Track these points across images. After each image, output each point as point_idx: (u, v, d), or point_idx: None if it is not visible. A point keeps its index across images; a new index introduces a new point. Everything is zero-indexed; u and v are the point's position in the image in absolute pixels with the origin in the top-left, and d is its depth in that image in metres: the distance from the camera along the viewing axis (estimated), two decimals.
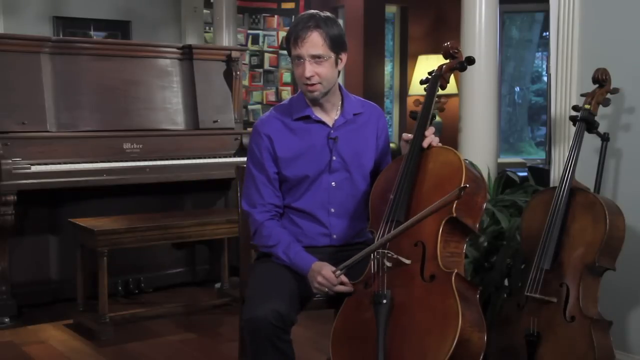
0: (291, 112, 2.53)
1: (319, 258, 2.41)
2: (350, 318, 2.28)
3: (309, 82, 2.40)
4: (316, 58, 2.38)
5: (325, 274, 2.31)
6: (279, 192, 2.53)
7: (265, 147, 2.50)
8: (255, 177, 2.52)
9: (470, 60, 2.59)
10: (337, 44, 2.42)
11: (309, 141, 2.50)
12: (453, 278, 2.14)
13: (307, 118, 2.51)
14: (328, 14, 2.46)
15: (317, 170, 2.49)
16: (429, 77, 2.60)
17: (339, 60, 2.46)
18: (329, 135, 2.50)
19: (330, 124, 2.51)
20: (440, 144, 2.40)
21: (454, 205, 2.21)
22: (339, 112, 2.53)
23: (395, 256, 2.21)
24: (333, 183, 2.51)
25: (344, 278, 2.31)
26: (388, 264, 2.23)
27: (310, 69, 2.38)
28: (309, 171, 2.48)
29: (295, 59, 2.41)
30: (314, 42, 2.37)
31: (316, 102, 2.49)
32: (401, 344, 2.13)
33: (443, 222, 2.23)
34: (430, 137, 2.39)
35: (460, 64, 2.59)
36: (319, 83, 2.41)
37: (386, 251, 2.24)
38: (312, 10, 2.46)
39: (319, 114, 2.51)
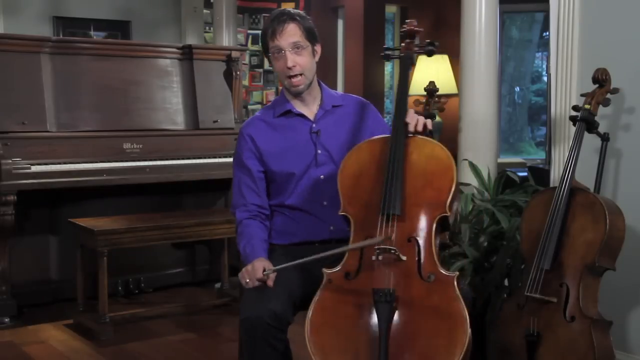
0: (274, 111, 2.58)
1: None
2: (332, 310, 2.19)
3: (291, 73, 2.44)
4: (296, 47, 2.43)
5: (256, 265, 2.28)
6: (263, 193, 2.55)
7: (247, 148, 2.54)
8: (238, 179, 2.56)
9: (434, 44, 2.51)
10: (311, 35, 2.49)
11: (292, 138, 2.53)
12: (455, 281, 2.14)
13: (288, 112, 2.55)
14: (297, 10, 2.53)
15: (304, 166, 2.52)
16: (395, 55, 2.55)
17: (315, 52, 2.52)
18: (312, 130, 2.54)
19: (312, 118, 2.55)
20: (427, 125, 2.34)
21: (448, 203, 2.22)
22: (318, 106, 2.57)
23: (397, 253, 2.17)
24: (322, 176, 2.52)
25: (270, 282, 2.24)
26: (380, 257, 2.18)
27: (291, 58, 2.43)
28: (296, 168, 2.51)
29: (275, 52, 2.45)
30: (292, 32, 2.44)
31: (299, 96, 2.53)
32: (405, 345, 2.10)
33: (437, 219, 2.23)
34: (414, 121, 2.32)
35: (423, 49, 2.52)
36: (302, 74, 2.46)
37: (388, 247, 2.18)
38: (282, 9, 2.53)
39: (299, 107, 2.56)
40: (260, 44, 2.58)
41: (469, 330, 2.05)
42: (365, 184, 2.32)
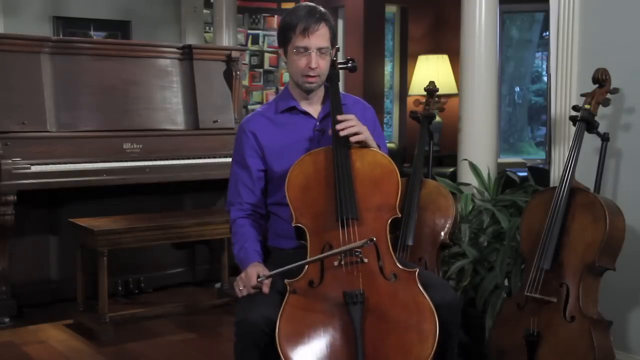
0: (276, 107, 2.55)
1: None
2: (300, 319, 2.17)
3: (311, 74, 2.42)
4: (322, 51, 2.41)
5: (249, 272, 2.27)
6: (260, 192, 2.52)
7: (249, 145, 2.50)
8: (237, 176, 2.53)
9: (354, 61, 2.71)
10: (335, 39, 2.49)
11: (294, 135, 2.50)
12: (416, 277, 2.20)
13: (293, 109, 2.52)
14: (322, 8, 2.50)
15: None
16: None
17: (331, 55, 2.50)
18: (315, 128, 2.52)
19: (315, 116, 2.53)
20: (359, 136, 2.37)
21: (397, 205, 2.31)
22: (322, 104, 2.56)
23: (361, 255, 2.21)
24: None
25: (265, 288, 2.24)
26: (342, 262, 2.21)
27: (315, 60, 2.40)
28: None
29: (300, 49, 2.41)
30: (323, 35, 2.41)
31: (309, 94, 2.50)
32: (380, 344, 2.12)
33: (389, 221, 2.31)
34: (341, 127, 2.35)
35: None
36: (318, 75, 2.44)
37: (355, 250, 2.21)
38: (309, 3, 2.50)
39: (304, 105, 2.53)
40: (279, 33, 2.50)
41: (437, 322, 2.12)
42: (314, 194, 2.35)
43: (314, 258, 2.24)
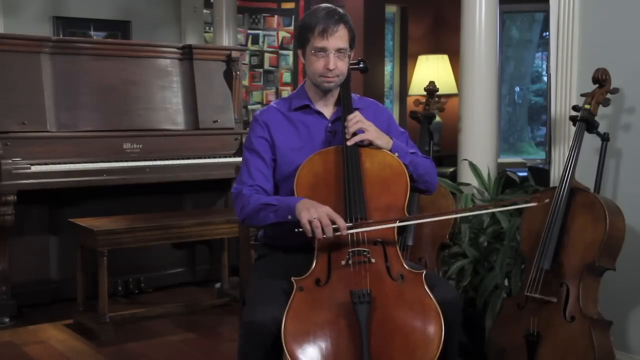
0: (290, 104, 2.53)
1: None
2: (306, 318, 2.17)
3: (330, 75, 2.40)
4: (340, 52, 2.39)
5: (321, 210, 2.19)
6: (272, 181, 2.48)
7: (261, 135, 2.48)
8: (249, 161, 2.47)
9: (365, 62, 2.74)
10: (354, 41, 2.46)
11: (306, 134, 2.49)
12: (423, 278, 2.20)
13: (306, 107, 2.51)
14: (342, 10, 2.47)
15: None
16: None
17: (349, 57, 2.48)
18: (327, 129, 2.50)
19: (328, 117, 2.52)
20: (363, 135, 2.36)
21: (405, 207, 2.32)
22: (335, 106, 2.54)
23: (368, 254, 2.21)
24: None
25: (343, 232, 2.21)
26: (350, 261, 2.21)
27: (334, 61, 2.39)
28: None
29: (318, 51, 2.39)
30: (342, 36, 2.39)
31: (327, 93, 2.48)
32: (385, 344, 2.12)
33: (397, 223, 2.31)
34: (350, 124, 2.35)
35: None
36: (337, 76, 2.42)
37: (361, 249, 2.21)
38: (328, 4, 2.46)
39: (318, 105, 2.51)
40: (298, 34, 2.48)
41: (443, 323, 2.12)
42: (323, 193, 2.33)
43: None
